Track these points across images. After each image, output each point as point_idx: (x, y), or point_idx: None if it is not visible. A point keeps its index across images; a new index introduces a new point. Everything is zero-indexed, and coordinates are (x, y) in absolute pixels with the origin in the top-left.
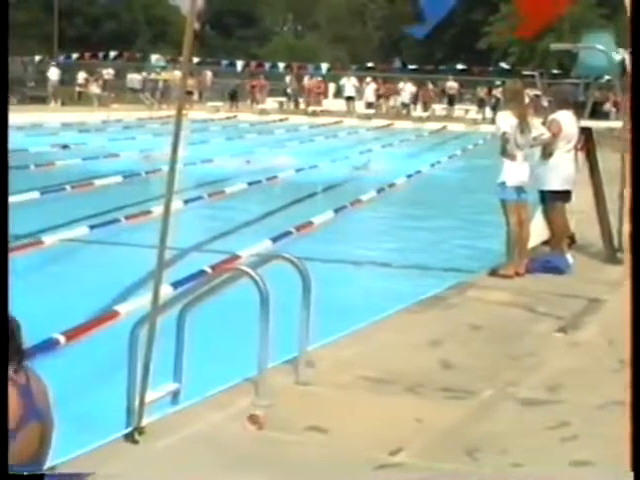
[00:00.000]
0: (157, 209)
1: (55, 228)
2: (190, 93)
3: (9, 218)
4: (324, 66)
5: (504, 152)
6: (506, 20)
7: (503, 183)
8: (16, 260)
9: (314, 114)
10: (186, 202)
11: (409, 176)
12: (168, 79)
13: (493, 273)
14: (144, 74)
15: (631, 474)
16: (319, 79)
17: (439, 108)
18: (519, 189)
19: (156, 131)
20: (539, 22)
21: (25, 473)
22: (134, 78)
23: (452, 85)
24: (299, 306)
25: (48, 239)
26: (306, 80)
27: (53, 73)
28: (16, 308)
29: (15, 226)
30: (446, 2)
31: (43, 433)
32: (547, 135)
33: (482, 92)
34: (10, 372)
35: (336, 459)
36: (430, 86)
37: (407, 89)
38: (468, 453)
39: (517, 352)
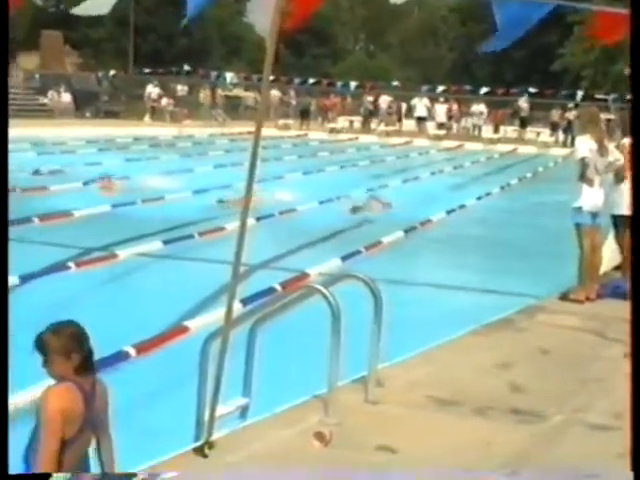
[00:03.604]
0: (230, 226)
1: (128, 242)
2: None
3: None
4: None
5: (582, 177)
6: (580, 42)
7: (580, 207)
8: (91, 273)
9: (385, 134)
10: (258, 219)
11: (479, 198)
12: (239, 96)
13: (564, 297)
14: (219, 91)
15: (631, 474)
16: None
17: (510, 130)
18: (594, 214)
19: (226, 147)
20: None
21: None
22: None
23: (524, 107)
24: (367, 325)
25: (122, 253)
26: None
27: (152, 90)
28: (89, 320)
29: (89, 240)
30: (524, 23)
31: (93, 442)
32: (622, 160)
33: (556, 115)
34: (78, 378)
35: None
36: (501, 108)
37: (478, 110)
38: (538, 477)
39: (586, 377)
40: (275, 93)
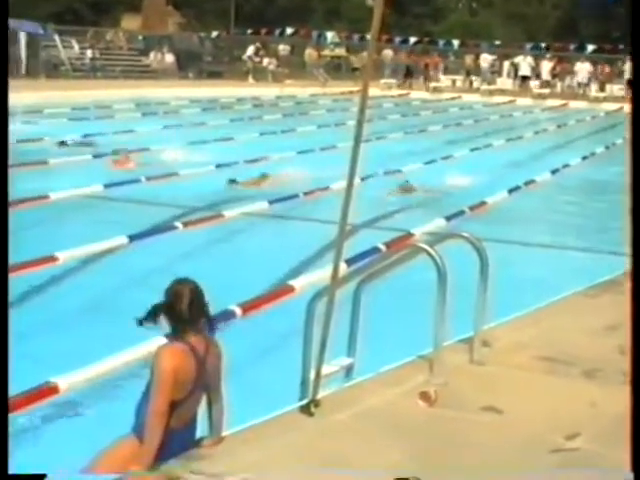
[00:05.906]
0: (335, 185)
1: (234, 202)
2: (355, 69)
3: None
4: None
5: None
6: None
7: None
8: (197, 233)
9: (489, 93)
10: (363, 179)
11: (584, 158)
12: (341, 56)
13: None
14: (325, 52)
15: (631, 474)
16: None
17: (616, 88)
18: None
19: (328, 107)
20: None
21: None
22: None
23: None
24: (473, 286)
25: (228, 213)
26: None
27: (250, 51)
28: (197, 279)
29: (194, 199)
30: None
31: (203, 401)
32: None
33: None
34: (192, 339)
35: (510, 440)
36: (607, 66)
37: (583, 68)
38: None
39: None
40: (387, 52)
